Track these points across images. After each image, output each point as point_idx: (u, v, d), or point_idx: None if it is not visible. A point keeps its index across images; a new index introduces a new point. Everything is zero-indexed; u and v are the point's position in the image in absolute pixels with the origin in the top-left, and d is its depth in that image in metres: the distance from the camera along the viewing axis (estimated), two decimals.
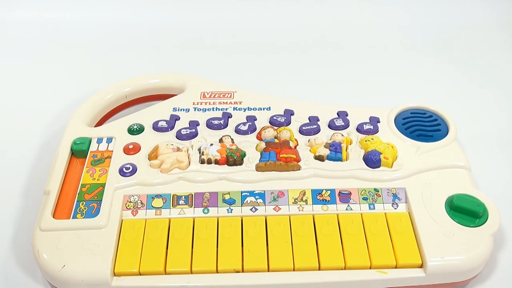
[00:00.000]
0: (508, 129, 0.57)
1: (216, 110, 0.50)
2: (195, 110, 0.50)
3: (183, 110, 0.50)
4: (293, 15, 0.74)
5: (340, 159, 0.45)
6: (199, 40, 0.71)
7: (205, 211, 0.42)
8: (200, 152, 0.45)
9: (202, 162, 0.44)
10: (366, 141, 0.46)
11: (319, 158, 0.45)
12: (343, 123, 0.48)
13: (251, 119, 0.49)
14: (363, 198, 0.42)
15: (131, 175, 0.43)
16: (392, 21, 0.73)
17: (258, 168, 0.44)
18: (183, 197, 0.42)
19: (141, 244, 0.39)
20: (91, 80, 0.63)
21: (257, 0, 0.74)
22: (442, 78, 0.65)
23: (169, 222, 0.41)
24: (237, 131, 0.48)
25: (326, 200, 0.42)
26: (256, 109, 0.50)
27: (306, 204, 0.42)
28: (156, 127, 0.48)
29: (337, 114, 0.50)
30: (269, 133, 0.47)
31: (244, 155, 0.45)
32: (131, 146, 0.46)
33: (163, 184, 0.43)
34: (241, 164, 0.44)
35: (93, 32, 0.71)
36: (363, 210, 0.42)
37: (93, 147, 0.46)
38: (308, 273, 0.38)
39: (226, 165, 0.44)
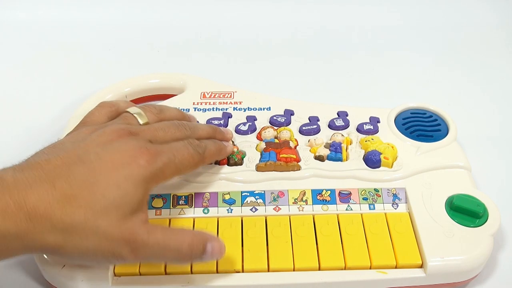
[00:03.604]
0: (508, 129, 0.57)
1: (216, 110, 0.50)
2: (195, 110, 0.50)
3: (183, 110, 0.50)
4: (293, 15, 0.74)
5: (340, 159, 0.45)
6: (199, 40, 0.71)
7: (205, 211, 0.42)
8: None
9: None
10: (366, 141, 0.46)
11: (319, 158, 0.45)
12: (343, 123, 0.48)
13: (251, 119, 0.49)
14: (363, 198, 0.42)
15: None
16: (392, 21, 0.73)
17: (258, 168, 0.44)
18: (183, 197, 0.42)
19: None
20: (91, 80, 0.63)
21: (258, 0, 0.74)
22: (442, 78, 0.65)
23: (170, 222, 0.41)
24: (237, 131, 0.48)
25: (326, 200, 0.42)
26: (256, 109, 0.50)
27: (306, 204, 0.42)
28: None
29: (337, 114, 0.50)
30: (269, 133, 0.47)
31: (244, 155, 0.45)
32: None
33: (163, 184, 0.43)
34: (241, 164, 0.44)
35: (93, 32, 0.71)
36: (363, 210, 0.42)
37: None
38: (308, 273, 0.38)
39: (226, 165, 0.44)
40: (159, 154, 0.35)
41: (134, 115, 0.40)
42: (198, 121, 0.48)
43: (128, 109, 0.40)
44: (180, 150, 0.38)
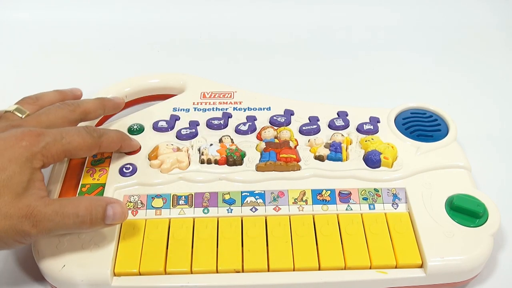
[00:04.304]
0: (508, 129, 0.57)
1: (216, 110, 0.50)
2: (195, 110, 0.50)
3: (183, 110, 0.50)
4: (293, 15, 0.74)
5: (340, 159, 0.45)
6: (199, 40, 0.71)
7: (205, 211, 0.42)
8: (200, 152, 0.45)
9: (202, 162, 0.44)
10: (366, 141, 0.46)
11: (319, 158, 0.45)
12: (343, 123, 0.48)
13: (251, 119, 0.49)
14: (363, 198, 0.42)
15: (131, 175, 0.43)
16: (392, 21, 0.73)
17: (258, 168, 0.44)
18: (183, 197, 0.42)
19: (141, 244, 0.39)
20: (91, 80, 0.63)
21: (257, 0, 0.74)
22: (442, 78, 0.65)
23: (169, 222, 0.41)
24: (237, 131, 0.48)
25: (326, 200, 0.42)
26: (256, 109, 0.50)
27: (306, 204, 0.42)
28: (156, 127, 0.48)
29: (337, 114, 0.50)
30: (269, 133, 0.47)
31: (243, 155, 0.45)
32: None
33: (163, 184, 0.43)
34: (241, 164, 0.44)
35: (93, 32, 0.71)
36: (363, 210, 0.42)
37: None
38: (308, 273, 0.38)
39: (226, 165, 0.44)
40: (43, 135, 0.37)
41: (14, 111, 0.41)
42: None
43: (6, 109, 0.41)
44: (70, 132, 0.39)
